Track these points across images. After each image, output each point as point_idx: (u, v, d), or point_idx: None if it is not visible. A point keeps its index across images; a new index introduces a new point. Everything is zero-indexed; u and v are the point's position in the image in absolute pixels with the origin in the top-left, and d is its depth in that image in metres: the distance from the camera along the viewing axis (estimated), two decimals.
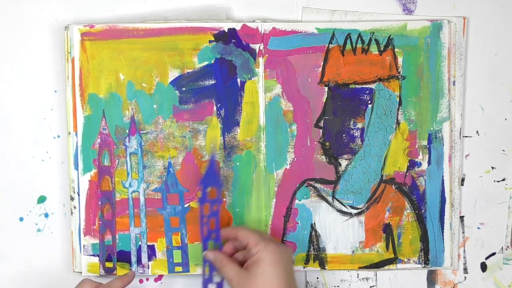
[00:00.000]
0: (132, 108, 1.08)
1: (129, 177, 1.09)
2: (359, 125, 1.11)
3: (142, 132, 1.09)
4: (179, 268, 1.10)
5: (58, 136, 1.10)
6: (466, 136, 1.13)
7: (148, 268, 1.10)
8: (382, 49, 1.10)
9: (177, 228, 1.10)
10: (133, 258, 1.09)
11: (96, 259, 1.09)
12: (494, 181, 1.14)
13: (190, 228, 1.10)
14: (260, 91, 1.10)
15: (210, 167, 1.07)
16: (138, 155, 1.09)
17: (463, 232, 1.14)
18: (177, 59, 1.08)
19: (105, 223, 1.09)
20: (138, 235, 1.09)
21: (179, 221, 1.10)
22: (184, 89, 1.09)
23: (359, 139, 1.11)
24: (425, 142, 1.11)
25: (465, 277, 1.14)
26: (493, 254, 1.14)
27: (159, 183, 1.09)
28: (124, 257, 1.09)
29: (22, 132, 1.10)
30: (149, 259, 1.10)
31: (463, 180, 1.13)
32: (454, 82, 1.11)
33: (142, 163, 1.09)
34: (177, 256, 1.10)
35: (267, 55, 1.09)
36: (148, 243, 1.10)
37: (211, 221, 1.07)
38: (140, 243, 1.09)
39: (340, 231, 1.12)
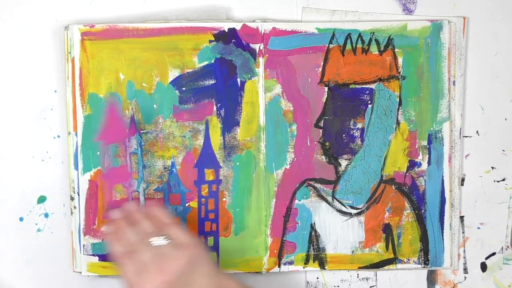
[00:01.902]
0: (132, 108, 1.08)
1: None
2: (359, 125, 1.11)
3: (142, 132, 1.09)
4: None
5: (58, 136, 1.10)
6: (466, 136, 1.13)
7: None
8: (382, 49, 1.10)
9: None
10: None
11: (96, 259, 1.09)
12: (494, 181, 1.14)
13: (190, 229, 1.09)
14: (260, 91, 1.10)
15: (204, 148, 1.08)
16: (138, 154, 1.09)
17: (463, 232, 1.14)
18: (177, 59, 1.08)
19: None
20: None
21: (180, 222, 1.09)
22: (184, 89, 1.09)
23: (359, 139, 1.11)
24: (425, 142, 1.11)
25: (465, 277, 1.14)
26: (493, 254, 1.14)
27: (159, 183, 1.09)
28: None
29: (22, 132, 1.10)
30: None
31: (463, 180, 1.13)
32: (454, 82, 1.11)
33: (142, 163, 1.09)
34: None
35: (267, 55, 1.09)
36: None
37: (209, 201, 1.07)
38: None
39: (340, 231, 1.12)
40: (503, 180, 1.14)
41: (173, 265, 0.91)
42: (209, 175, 1.09)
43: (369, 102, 1.10)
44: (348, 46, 1.10)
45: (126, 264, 0.93)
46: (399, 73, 1.10)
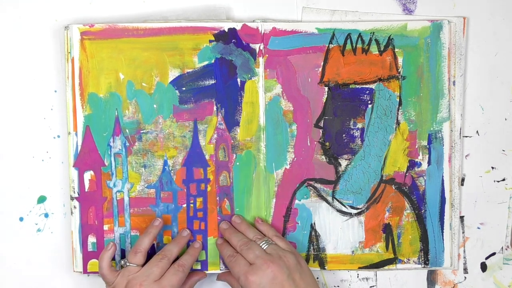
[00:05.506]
0: (116, 109, 1.08)
1: (113, 177, 1.09)
2: (359, 125, 1.11)
3: (142, 131, 1.09)
4: None
5: (58, 136, 1.10)
6: (466, 136, 1.13)
7: None
8: (382, 49, 1.10)
9: (169, 226, 1.09)
10: (117, 258, 1.08)
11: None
12: (494, 181, 1.14)
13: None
14: (260, 91, 1.10)
15: (192, 147, 1.08)
16: (122, 155, 1.08)
17: (463, 232, 1.14)
18: (177, 59, 1.08)
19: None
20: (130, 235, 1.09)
21: (171, 219, 1.09)
22: (184, 88, 1.09)
23: (359, 139, 1.11)
24: (425, 142, 1.11)
25: (465, 277, 1.14)
26: (493, 254, 1.14)
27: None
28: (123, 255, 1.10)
29: (22, 132, 1.10)
30: None
31: (463, 180, 1.13)
32: (454, 82, 1.11)
33: (126, 163, 1.08)
34: None
35: (267, 55, 1.09)
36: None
37: (198, 200, 1.07)
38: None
39: (340, 231, 1.12)
40: (503, 180, 1.14)
41: (281, 262, 1.00)
42: (197, 173, 1.09)
43: (369, 102, 1.10)
44: (348, 46, 1.10)
45: (237, 260, 1.01)
46: (399, 73, 1.10)
